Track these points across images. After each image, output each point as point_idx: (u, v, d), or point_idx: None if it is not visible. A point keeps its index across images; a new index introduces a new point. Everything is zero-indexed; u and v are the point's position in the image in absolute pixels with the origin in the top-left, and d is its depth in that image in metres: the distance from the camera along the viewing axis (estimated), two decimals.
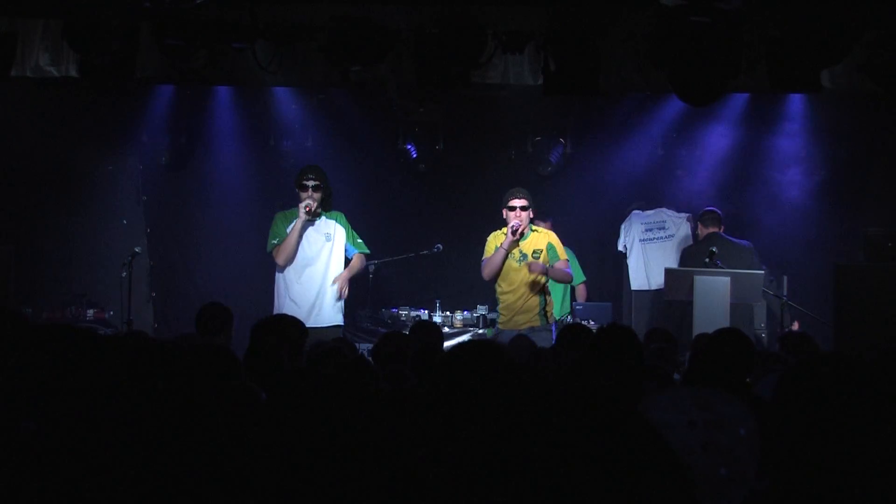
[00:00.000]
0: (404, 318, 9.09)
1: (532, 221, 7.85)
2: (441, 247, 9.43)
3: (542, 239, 7.75)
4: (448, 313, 9.27)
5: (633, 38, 7.41)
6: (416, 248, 9.45)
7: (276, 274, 8.02)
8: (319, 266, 7.96)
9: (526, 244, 7.66)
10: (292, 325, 5.35)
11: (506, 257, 7.60)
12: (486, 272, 7.70)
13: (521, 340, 5.91)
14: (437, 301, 9.41)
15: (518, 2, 7.66)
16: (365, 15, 7.38)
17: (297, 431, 2.64)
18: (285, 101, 10.07)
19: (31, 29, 8.04)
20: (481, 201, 10.17)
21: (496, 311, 7.94)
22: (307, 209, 7.80)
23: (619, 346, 4.36)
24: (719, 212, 9.15)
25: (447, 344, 6.38)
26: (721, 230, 9.02)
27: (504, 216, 7.68)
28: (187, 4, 7.22)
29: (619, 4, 7.48)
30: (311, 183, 7.89)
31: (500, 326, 7.79)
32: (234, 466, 2.53)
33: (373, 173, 10.25)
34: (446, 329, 8.99)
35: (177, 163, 10.28)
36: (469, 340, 5.58)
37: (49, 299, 9.69)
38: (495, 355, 2.81)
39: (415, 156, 10.12)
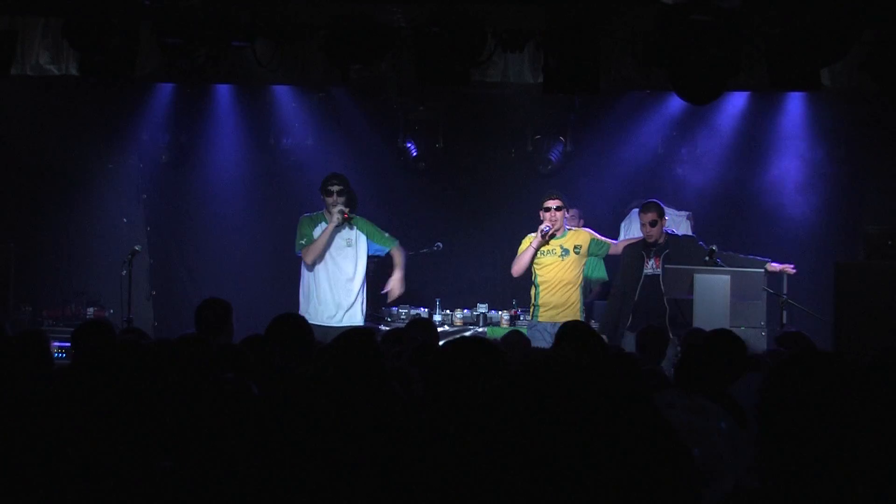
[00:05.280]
0: (404, 317, 9.08)
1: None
2: (441, 245, 9.43)
3: (582, 236, 8.30)
4: (448, 312, 9.28)
5: (633, 36, 7.41)
6: (416, 246, 9.45)
7: (304, 276, 8.46)
8: (344, 270, 8.41)
9: (566, 241, 8.22)
10: (301, 324, 5.35)
11: (534, 256, 8.13)
12: (515, 269, 8.22)
13: (514, 336, 5.91)
14: (438, 299, 9.41)
15: (518, 0, 7.66)
16: (365, 13, 7.38)
17: (305, 431, 2.64)
18: (285, 100, 10.07)
19: (32, 27, 8.05)
20: (481, 200, 10.19)
21: (534, 306, 8.24)
22: (344, 215, 8.28)
23: (581, 341, 4.45)
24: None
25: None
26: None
27: (541, 217, 8.18)
28: (187, 3, 7.23)
29: (619, 2, 7.47)
30: (336, 188, 8.33)
31: (538, 319, 8.16)
32: (227, 462, 2.53)
33: (373, 171, 10.25)
34: (446, 327, 9.00)
35: (177, 161, 10.27)
36: (461, 337, 5.58)
37: (49, 297, 9.69)
38: (488, 352, 2.82)
39: (415, 154, 10.11)
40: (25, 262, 9.45)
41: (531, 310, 8.30)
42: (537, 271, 8.20)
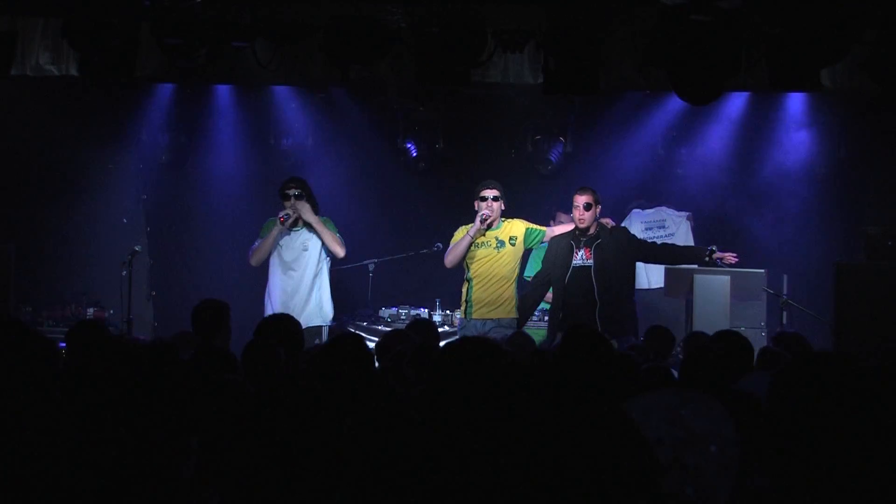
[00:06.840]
0: (404, 318, 9.07)
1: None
2: (441, 245, 9.40)
3: (517, 227, 7.81)
4: (448, 312, 9.27)
5: (633, 37, 7.41)
6: (416, 246, 9.44)
7: (268, 280, 8.18)
8: (297, 275, 8.10)
9: (501, 232, 7.75)
10: (292, 324, 5.35)
11: (470, 244, 7.67)
12: (449, 259, 7.78)
13: (520, 338, 5.89)
14: (438, 300, 9.41)
15: (518, 0, 7.66)
16: (365, 13, 7.38)
17: (305, 431, 2.64)
18: (285, 100, 10.07)
19: (32, 28, 8.05)
20: None
21: (466, 302, 7.75)
22: (281, 220, 7.97)
23: (587, 348, 4.39)
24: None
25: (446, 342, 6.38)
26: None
27: (476, 207, 7.76)
28: (187, 3, 7.23)
29: (620, 3, 7.47)
30: (292, 192, 8.01)
31: (472, 316, 7.69)
32: (223, 462, 2.53)
33: (373, 172, 10.25)
34: (446, 328, 8.99)
35: (177, 161, 10.28)
36: (464, 337, 5.55)
37: (49, 298, 9.68)
38: (493, 353, 2.81)
39: (415, 154, 10.11)
40: (26, 262, 9.45)
41: (463, 307, 7.79)
42: (470, 265, 7.70)
